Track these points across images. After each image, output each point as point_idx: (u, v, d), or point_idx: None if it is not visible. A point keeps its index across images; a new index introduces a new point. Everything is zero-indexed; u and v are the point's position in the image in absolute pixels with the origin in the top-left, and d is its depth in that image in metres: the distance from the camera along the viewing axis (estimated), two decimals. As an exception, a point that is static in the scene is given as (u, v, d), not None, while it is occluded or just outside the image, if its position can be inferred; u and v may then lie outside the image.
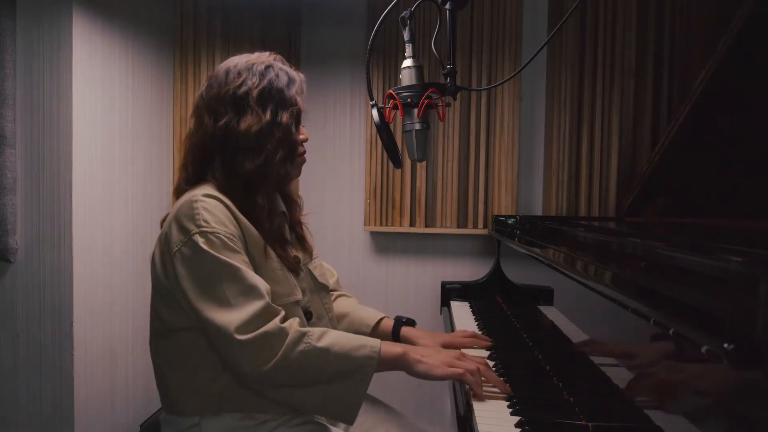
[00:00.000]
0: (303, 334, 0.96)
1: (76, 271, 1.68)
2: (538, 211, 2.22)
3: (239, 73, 1.09)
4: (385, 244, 2.36)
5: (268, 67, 1.11)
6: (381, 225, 2.27)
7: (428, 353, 1.05)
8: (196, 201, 1.01)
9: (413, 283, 2.34)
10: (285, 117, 1.08)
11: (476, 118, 2.19)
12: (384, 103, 1.09)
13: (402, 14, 1.08)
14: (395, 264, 2.36)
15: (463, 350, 1.15)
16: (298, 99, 1.12)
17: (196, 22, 2.18)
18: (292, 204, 1.26)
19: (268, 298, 0.97)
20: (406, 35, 1.09)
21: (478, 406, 0.94)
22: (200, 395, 1.04)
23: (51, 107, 1.66)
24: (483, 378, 1.00)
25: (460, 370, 1.00)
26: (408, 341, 1.26)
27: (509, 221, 1.83)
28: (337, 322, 1.29)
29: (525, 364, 1.17)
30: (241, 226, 1.04)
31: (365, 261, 2.37)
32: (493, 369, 1.13)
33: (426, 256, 2.33)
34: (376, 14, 2.09)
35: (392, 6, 1.04)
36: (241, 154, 1.06)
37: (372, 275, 2.37)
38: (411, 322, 1.32)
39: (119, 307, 1.90)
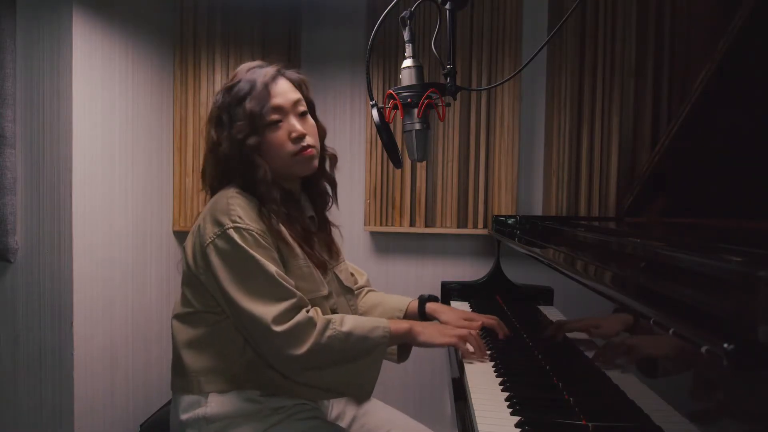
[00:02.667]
0: (329, 321, 1.06)
1: (76, 271, 1.68)
2: (538, 211, 2.22)
3: (216, 95, 1.19)
4: (385, 244, 2.36)
5: (235, 83, 1.15)
6: (381, 225, 2.27)
7: (429, 326, 1.20)
8: (232, 197, 1.08)
9: (413, 283, 2.34)
10: (238, 131, 1.11)
11: (476, 118, 2.19)
12: (384, 103, 1.09)
13: (402, 14, 1.08)
14: (395, 264, 2.35)
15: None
16: (253, 107, 1.11)
17: (196, 22, 2.18)
18: (321, 202, 1.29)
19: (297, 293, 1.06)
20: (406, 35, 1.09)
21: (477, 405, 0.94)
22: (220, 374, 1.09)
23: (51, 107, 1.66)
24: (475, 341, 1.18)
25: (454, 339, 1.17)
26: (432, 317, 1.38)
27: (509, 221, 1.83)
28: (369, 312, 1.41)
29: (525, 364, 1.17)
30: (270, 224, 1.10)
31: (365, 261, 2.37)
32: (494, 370, 1.13)
33: (426, 256, 2.33)
34: (376, 14, 2.09)
35: (392, 6, 1.04)
36: (228, 169, 1.14)
37: (372, 275, 2.35)
38: (434, 298, 1.43)
39: (119, 307, 1.90)
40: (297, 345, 1.02)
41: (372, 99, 1.08)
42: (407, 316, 1.40)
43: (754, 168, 1.22)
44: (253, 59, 2.19)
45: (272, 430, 1.07)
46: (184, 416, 1.08)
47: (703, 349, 0.51)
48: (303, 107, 1.17)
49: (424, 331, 1.17)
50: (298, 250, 1.13)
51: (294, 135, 1.14)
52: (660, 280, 0.67)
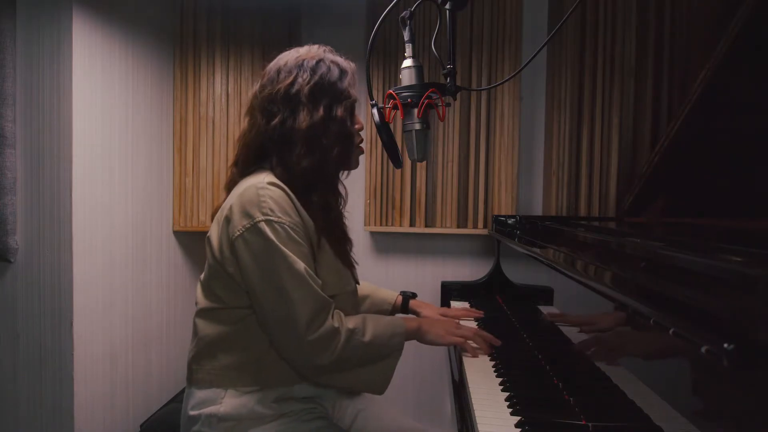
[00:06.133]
0: (352, 332, 1.07)
1: (76, 271, 1.68)
2: (538, 211, 2.22)
3: (290, 71, 1.10)
4: (385, 244, 2.36)
5: (318, 61, 1.11)
6: (381, 225, 2.27)
7: (435, 325, 1.23)
8: (262, 188, 1.03)
9: (413, 283, 2.34)
10: (339, 111, 1.10)
11: (476, 118, 2.19)
12: (384, 103, 1.09)
13: (402, 14, 1.08)
14: (395, 264, 2.35)
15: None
16: (351, 91, 1.13)
17: (196, 22, 2.18)
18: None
19: (322, 294, 1.04)
20: (406, 35, 1.09)
21: (477, 405, 0.94)
22: (247, 371, 1.08)
23: (51, 107, 1.66)
24: (480, 340, 1.22)
25: (461, 339, 1.22)
26: (415, 312, 1.49)
27: (509, 221, 1.83)
28: (361, 302, 1.43)
29: (525, 364, 1.17)
30: (302, 216, 1.07)
31: (365, 261, 2.37)
32: (494, 370, 1.13)
33: (426, 256, 2.33)
34: (376, 14, 2.09)
35: (392, 6, 1.04)
36: (297, 152, 1.07)
37: (372, 275, 2.37)
38: (414, 296, 1.53)
39: (119, 307, 1.90)
40: (323, 355, 1.03)
41: (372, 99, 1.08)
42: (394, 308, 1.50)
43: (753, 168, 1.22)
44: (253, 59, 2.21)
45: (280, 430, 1.08)
46: (196, 411, 1.08)
47: (703, 349, 0.51)
48: None
49: (431, 330, 1.21)
50: (324, 243, 1.12)
51: (358, 127, 1.18)
52: (660, 280, 0.67)
